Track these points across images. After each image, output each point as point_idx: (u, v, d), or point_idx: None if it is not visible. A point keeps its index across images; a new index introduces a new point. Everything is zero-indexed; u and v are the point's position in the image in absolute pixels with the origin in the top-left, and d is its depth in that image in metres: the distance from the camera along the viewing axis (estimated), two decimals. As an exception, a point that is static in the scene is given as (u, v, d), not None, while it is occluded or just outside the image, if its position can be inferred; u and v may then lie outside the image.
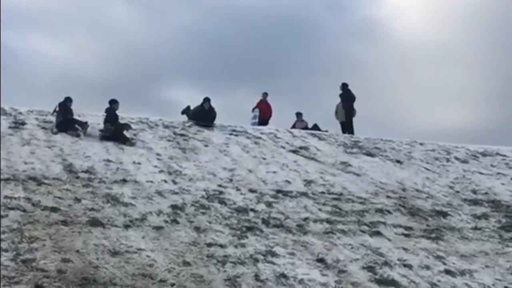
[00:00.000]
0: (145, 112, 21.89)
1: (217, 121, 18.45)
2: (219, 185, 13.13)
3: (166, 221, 10.86)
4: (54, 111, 16.05)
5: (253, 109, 22.28)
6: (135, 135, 15.87)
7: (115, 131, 15.35)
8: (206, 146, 15.80)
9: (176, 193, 12.34)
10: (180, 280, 8.73)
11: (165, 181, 12.91)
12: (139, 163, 13.83)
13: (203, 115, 17.79)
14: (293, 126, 21.83)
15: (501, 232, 12.54)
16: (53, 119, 15.94)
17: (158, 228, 10.50)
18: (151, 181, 12.77)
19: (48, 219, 10.17)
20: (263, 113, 21.93)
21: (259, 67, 46.89)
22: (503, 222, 13.07)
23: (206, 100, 18.12)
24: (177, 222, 10.88)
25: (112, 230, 10.17)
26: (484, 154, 18.19)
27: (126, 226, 10.43)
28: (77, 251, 9.19)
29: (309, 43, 49.44)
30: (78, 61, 47.34)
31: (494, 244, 11.87)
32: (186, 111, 18.58)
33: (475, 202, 14.22)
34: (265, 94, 22.62)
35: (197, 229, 10.70)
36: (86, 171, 12.82)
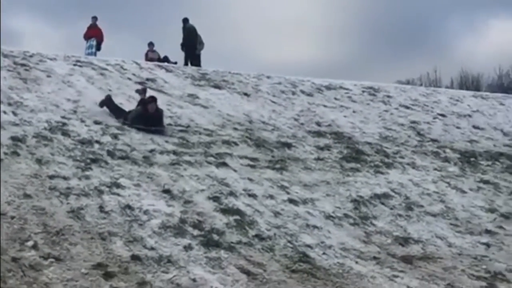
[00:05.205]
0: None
1: (61, 52, 17.80)
2: (63, 117, 12.73)
3: (5, 153, 10.39)
4: None
5: (85, 37, 21.91)
6: (-29, 64, 15.05)
7: None
8: (49, 76, 15.22)
9: (17, 124, 11.84)
10: (21, 212, 8.43)
11: (5, 112, 12.34)
12: (-24, 94, 13.15)
13: (149, 120, 13.09)
14: (146, 56, 21.68)
15: (342, 162, 12.97)
16: None
17: (-3, 161, 10.06)
18: (-10, 112, 12.19)
19: None
20: (96, 39, 21.75)
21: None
22: (345, 153, 13.53)
23: (151, 101, 13.66)
24: (18, 154, 10.46)
25: None
26: (328, 88, 18.65)
27: (-38, 159, 9.93)
28: None
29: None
30: None
31: (335, 174, 12.27)
32: (111, 105, 13.89)
33: (318, 134, 14.61)
34: (94, 19, 22.22)
35: (38, 161, 10.35)
36: None
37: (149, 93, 14.68)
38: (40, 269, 7.18)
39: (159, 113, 13.42)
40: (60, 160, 10.55)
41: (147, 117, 13.09)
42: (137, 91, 14.93)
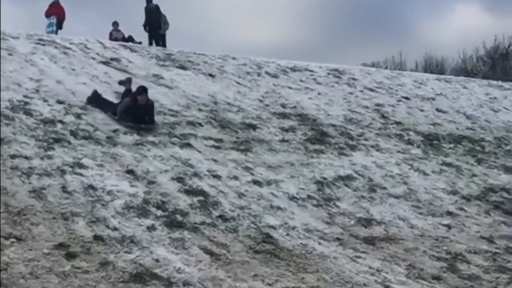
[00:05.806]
0: None
1: (24, 31, 17.51)
2: (25, 96, 12.53)
3: (-34, 133, 10.26)
4: None
5: (46, 15, 21.55)
6: None
7: None
8: (10, 55, 14.96)
9: (-22, 103, 11.68)
10: (-19, 192, 8.33)
11: (-34, 90, 12.15)
12: None
13: (139, 113, 12.20)
14: (110, 36, 21.44)
15: (306, 144, 13.01)
16: None
17: (-43, 140, 9.90)
18: (-50, 91, 11.98)
19: None
20: (58, 17, 21.42)
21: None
22: (309, 135, 13.56)
23: (142, 91, 12.56)
24: (-21, 134, 10.33)
25: None
26: (293, 70, 18.64)
27: None
28: None
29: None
30: None
31: (299, 156, 12.30)
32: (98, 101, 12.88)
33: (283, 116, 14.61)
34: None
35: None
36: None
37: (114, 73, 14.54)
38: (1, 249, 7.10)
39: (149, 105, 12.53)
40: (22, 140, 10.42)
41: (137, 110, 12.21)
42: (121, 82, 14.08)
